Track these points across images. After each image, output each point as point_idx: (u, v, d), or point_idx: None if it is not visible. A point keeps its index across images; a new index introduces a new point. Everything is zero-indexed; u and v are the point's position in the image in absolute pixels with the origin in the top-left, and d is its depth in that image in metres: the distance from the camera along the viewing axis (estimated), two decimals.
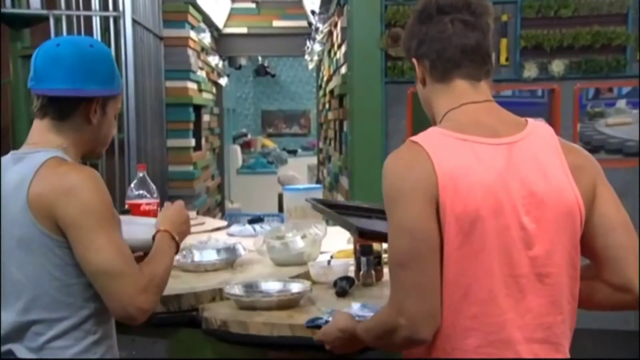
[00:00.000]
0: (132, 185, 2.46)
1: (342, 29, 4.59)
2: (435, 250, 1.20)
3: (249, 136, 11.35)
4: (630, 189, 3.78)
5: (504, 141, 1.24)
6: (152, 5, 4.49)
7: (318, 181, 7.87)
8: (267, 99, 12.63)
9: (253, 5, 7.12)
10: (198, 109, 5.86)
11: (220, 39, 7.13)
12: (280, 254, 2.25)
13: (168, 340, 1.93)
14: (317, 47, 6.12)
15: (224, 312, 1.81)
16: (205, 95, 6.26)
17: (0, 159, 1.50)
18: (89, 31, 3.83)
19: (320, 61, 7.22)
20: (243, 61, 9.32)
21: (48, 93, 1.47)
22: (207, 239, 2.44)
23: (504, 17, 4.03)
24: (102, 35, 3.86)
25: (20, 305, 1.43)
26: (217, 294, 1.94)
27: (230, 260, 2.25)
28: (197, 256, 2.22)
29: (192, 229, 2.88)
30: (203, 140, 6.09)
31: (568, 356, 1.28)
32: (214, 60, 6.68)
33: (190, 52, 5.38)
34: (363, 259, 2.05)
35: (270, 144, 11.22)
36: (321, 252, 2.33)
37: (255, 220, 3.04)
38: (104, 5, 3.89)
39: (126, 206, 2.41)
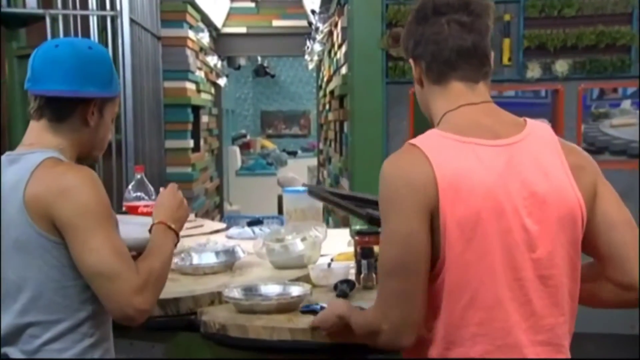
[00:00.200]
0: (130, 187, 2.44)
1: (343, 28, 4.57)
2: (423, 262, 1.21)
3: (248, 137, 11.34)
4: (634, 191, 3.75)
5: (504, 142, 1.24)
6: (150, 5, 4.46)
7: (318, 183, 7.85)
8: (266, 99, 12.63)
9: (252, 5, 7.11)
10: (196, 109, 5.84)
11: (219, 39, 7.11)
12: (280, 256, 2.23)
13: (166, 344, 1.92)
14: (317, 47, 6.10)
15: (222, 316, 1.80)
16: (204, 95, 6.24)
17: None
18: (86, 31, 3.79)
19: (320, 61, 7.20)
20: (242, 61, 9.31)
21: (46, 94, 1.47)
22: (206, 242, 2.43)
23: (507, 17, 4.00)
24: (99, 34, 3.83)
25: (17, 307, 1.42)
26: (216, 298, 1.92)
27: (229, 263, 2.24)
28: (196, 259, 2.21)
29: (191, 232, 2.89)
30: (202, 142, 6.07)
31: (569, 356, 1.28)
32: (213, 60, 6.66)
33: (188, 52, 5.35)
34: (364, 262, 2.03)
35: (269, 145, 11.21)
36: (321, 255, 2.32)
37: (255, 222, 3.02)
38: (101, 5, 3.86)
39: (124, 208, 2.39)
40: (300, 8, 6.84)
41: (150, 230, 1.55)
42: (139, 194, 2.40)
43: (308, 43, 6.36)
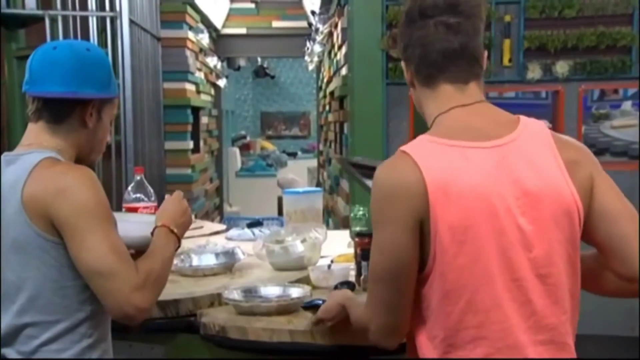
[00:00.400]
0: (129, 188, 2.43)
1: (343, 29, 4.56)
2: (409, 272, 1.23)
3: (248, 138, 11.34)
4: (635, 192, 3.74)
5: (494, 143, 1.24)
6: (149, 6, 4.45)
7: (318, 184, 7.84)
8: (266, 100, 12.63)
9: (252, 6, 7.10)
10: (196, 110, 5.83)
11: (219, 40, 7.11)
12: (279, 258, 2.23)
13: (166, 346, 1.92)
14: (317, 48, 6.09)
15: (222, 318, 1.80)
16: (204, 96, 6.23)
17: None
18: (85, 32, 3.78)
19: (320, 62, 7.19)
20: (242, 62, 9.30)
21: (44, 95, 1.47)
22: (206, 243, 2.43)
23: (507, 18, 3.99)
24: (98, 36, 3.82)
25: (15, 308, 1.42)
26: (216, 299, 1.92)
27: (229, 264, 2.23)
28: (196, 260, 2.20)
29: (191, 233, 2.88)
30: (201, 143, 6.06)
31: (574, 354, 1.27)
32: (213, 61, 6.65)
33: (188, 53, 5.35)
34: (364, 264, 2.03)
35: (269, 146, 11.20)
36: (321, 257, 2.32)
37: (255, 224, 3.01)
38: (100, 6, 3.84)
39: (123, 209, 2.38)
40: (300, 9, 6.84)
41: (152, 233, 1.55)
42: (138, 195, 2.39)
43: (308, 44, 6.35)
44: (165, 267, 1.50)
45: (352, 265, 2.11)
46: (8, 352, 1.43)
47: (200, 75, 6.03)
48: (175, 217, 1.58)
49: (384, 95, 4.04)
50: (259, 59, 11.02)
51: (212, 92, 6.98)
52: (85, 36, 3.76)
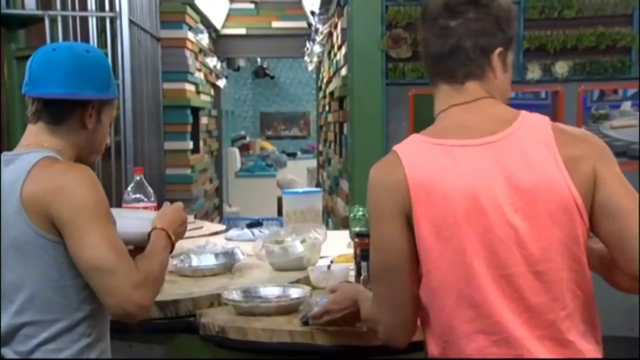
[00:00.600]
0: (129, 188, 2.43)
1: (342, 30, 4.56)
2: (406, 267, 1.26)
3: (248, 139, 11.33)
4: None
5: (486, 140, 1.25)
6: (149, 6, 4.45)
7: (318, 184, 7.84)
8: (266, 100, 12.62)
9: (252, 6, 7.10)
10: (196, 111, 5.83)
11: (219, 40, 7.11)
12: (279, 258, 2.23)
13: (165, 347, 1.92)
14: (317, 49, 6.09)
15: (222, 318, 1.80)
16: (203, 97, 6.23)
17: None
18: (85, 32, 3.78)
19: (320, 62, 7.19)
20: (242, 62, 9.30)
21: (43, 97, 1.48)
22: (205, 244, 2.43)
23: None
24: (98, 36, 3.81)
25: (14, 308, 1.42)
26: (215, 300, 1.92)
27: (229, 265, 2.23)
28: (195, 261, 2.20)
29: (190, 233, 2.88)
30: (201, 143, 6.06)
31: (581, 351, 1.24)
32: (212, 61, 6.65)
33: (188, 53, 5.34)
34: (363, 264, 2.02)
35: (269, 146, 11.20)
36: (321, 257, 2.31)
37: (254, 224, 3.01)
38: (100, 6, 3.84)
39: None
40: (299, 9, 6.84)
41: (150, 232, 1.56)
42: (138, 195, 2.39)
43: (307, 44, 6.35)
44: (163, 269, 1.51)
45: (352, 265, 2.11)
46: (5, 352, 1.43)
47: (199, 75, 6.02)
48: (174, 225, 1.59)
49: (384, 96, 4.03)
50: (259, 60, 11.01)
51: (212, 92, 6.98)
52: (85, 36, 3.75)
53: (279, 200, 7.33)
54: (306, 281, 2.07)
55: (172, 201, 1.70)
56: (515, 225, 1.21)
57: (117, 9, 3.83)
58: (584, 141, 1.29)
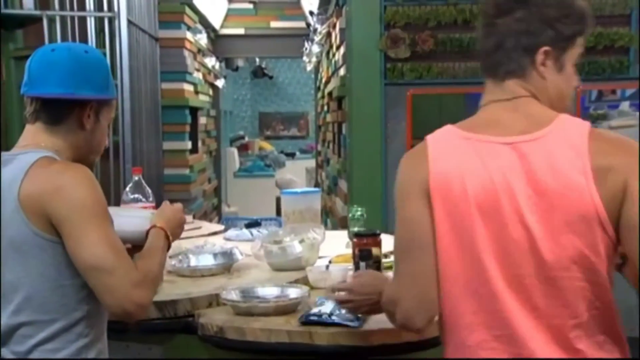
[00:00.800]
0: (128, 188, 2.43)
1: (341, 30, 4.56)
2: (428, 243, 1.27)
3: (246, 139, 11.32)
4: None
5: (514, 140, 1.25)
6: (147, 6, 4.45)
7: (316, 184, 7.84)
8: (264, 100, 12.62)
9: (250, 6, 7.10)
10: (194, 111, 5.82)
11: (217, 40, 7.10)
12: (277, 258, 2.23)
13: (163, 347, 1.92)
14: (316, 49, 6.09)
15: (220, 318, 1.80)
16: (202, 97, 6.22)
17: None
18: (83, 32, 3.77)
19: (318, 63, 7.19)
20: (240, 62, 9.29)
21: (42, 96, 1.48)
22: (204, 244, 2.42)
23: None
24: (96, 36, 3.80)
25: (11, 308, 1.42)
26: (214, 300, 1.92)
27: (227, 265, 2.23)
28: (194, 261, 2.20)
29: (189, 233, 2.88)
30: (199, 143, 6.06)
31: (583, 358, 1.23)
32: (211, 61, 6.65)
33: (186, 53, 5.34)
34: (362, 264, 2.02)
35: (267, 146, 11.19)
36: (319, 257, 2.31)
37: (253, 224, 3.01)
38: (98, 6, 3.84)
39: None
40: (298, 9, 6.83)
41: (148, 230, 1.56)
42: (136, 195, 2.39)
43: (306, 44, 6.35)
44: (161, 268, 1.52)
45: (350, 265, 2.11)
46: (3, 352, 1.43)
47: (198, 75, 6.02)
48: (172, 225, 1.60)
49: (382, 96, 4.03)
50: (257, 60, 11.01)
51: (210, 92, 6.98)
52: (84, 36, 3.75)
53: (278, 200, 7.31)
54: (305, 281, 2.07)
55: (171, 201, 1.70)
56: (530, 227, 1.20)
57: (116, 9, 3.82)
58: (621, 152, 1.23)
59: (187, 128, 5.47)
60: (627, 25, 3.97)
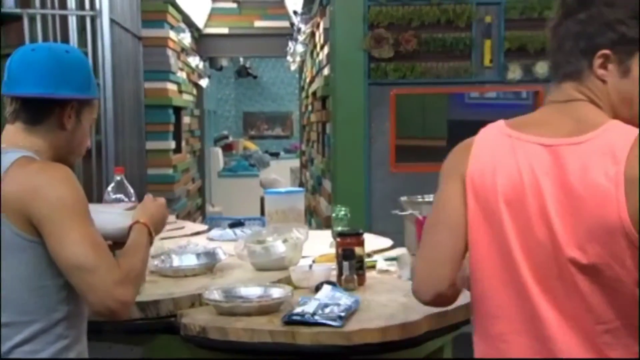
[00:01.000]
0: (109, 188, 2.40)
1: (325, 29, 4.56)
2: (453, 223, 1.29)
3: (231, 138, 11.29)
4: None
5: (551, 142, 1.23)
6: (130, 5, 4.42)
7: (301, 184, 7.84)
8: (248, 100, 12.59)
9: (234, 5, 7.09)
10: (178, 110, 5.80)
11: (201, 40, 7.08)
12: (261, 258, 2.22)
13: (145, 347, 1.91)
14: (300, 48, 6.09)
15: (203, 318, 1.79)
16: (186, 96, 6.20)
17: None
18: (64, 31, 3.74)
19: (302, 62, 7.19)
20: (224, 62, 9.28)
21: (22, 95, 1.47)
22: (187, 244, 2.42)
23: (488, 19, 4.02)
24: (78, 35, 3.77)
25: None
26: (196, 300, 1.91)
27: (210, 265, 2.22)
28: (176, 261, 2.19)
29: (172, 233, 2.86)
30: (183, 143, 6.04)
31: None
32: (194, 61, 6.63)
33: (169, 52, 5.32)
34: (345, 264, 2.03)
35: (252, 146, 11.17)
36: (303, 257, 2.31)
37: (236, 224, 3.00)
38: (80, 4, 3.80)
39: None
40: (282, 9, 6.83)
41: (131, 226, 1.55)
42: (118, 195, 2.37)
43: (290, 44, 6.35)
44: (144, 266, 1.51)
45: (334, 265, 2.11)
46: None
47: (182, 75, 6.00)
48: (155, 221, 1.59)
49: (366, 96, 4.04)
50: (241, 59, 10.99)
51: (194, 92, 6.95)
52: (65, 35, 3.71)
53: (262, 200, 7.30)
54: (288, 281, 2.07)
55: (152, 192, 1.69)
56: (554, 229, 1.18)
57: (98, 7, 3.79)
58: None
59: (171, 128, 5.45)
60: None
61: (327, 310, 1.72)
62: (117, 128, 3.98)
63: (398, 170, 4.05)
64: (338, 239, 2.11)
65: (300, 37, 5.89)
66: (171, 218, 3.48)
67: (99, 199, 2.93)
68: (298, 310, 1.73)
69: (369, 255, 2.28)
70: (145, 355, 1.90)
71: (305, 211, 4.05)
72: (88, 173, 3.78)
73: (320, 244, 2.52)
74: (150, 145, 5.03)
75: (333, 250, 2.23)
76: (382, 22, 3.99)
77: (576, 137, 1.22)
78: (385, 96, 4.06)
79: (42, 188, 1.37)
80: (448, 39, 4.00)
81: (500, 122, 1.33)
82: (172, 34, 5.44)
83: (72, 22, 3.76)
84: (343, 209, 2.58)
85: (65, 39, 3.69)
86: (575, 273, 1.18)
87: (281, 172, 9.45)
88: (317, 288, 1.92)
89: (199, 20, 6.70)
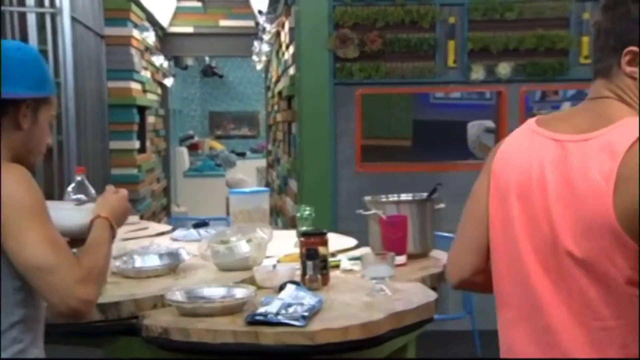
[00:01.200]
0: (69, 189, 2.36)
1: (290, 29, 4.56)
2: (480, 218, 1.35)
3: (196, 138, 11.21)
4: None
5: (563, 137, 1.26)
6: (92, 2, 4.35)
7: (267, 184, 7.82)
8: (214, 100, 12.52)
9: (199, 4, 7.04)
10: (142, 110, 5.74)
11: (165, 39, 7.02)
12: (224, 258, 2.21)
13: (106, 350, 1.89)
14: (265, 48, 6.08)
15: (165, 319, 1.77)
16: (150, 96, 6.14)
17: None
18: (23, 29, 3.66)
19: (268, 62, 7.17)
20: (189, 61, 9.21)
21: None
22: (150, 244, 2.38)
23: (452, 20, 4.06)
24: (38, 33, 3.70)
25: None
26: (159, 301, 1.89)
27: (173, 265, 2.20)
28: (139, 262, 2.16)
29: (135, 234, 2.83)
30: (148, 142, 5.98)
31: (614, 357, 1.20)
32: (159, 60, 6.56)
33: (133, 51, 5.26)
34: (309, 263, 2.03)
35: (218, 146, 11.11)
36: (267, 257, 2.30)
37: (201, 224, 2.98)
38: (39, 2, 3.73)
39: None
40: (247, 8, 6.80)
41: (92, 221, 1.52)
42: (79, 196, 2.33)
43: (256, 43, 6.33)
44: (107, 262, 1.49)
45: (298, 265, 2.11)
46: None
47: (146, 74, 5.94)
48: (117, 214, 1.56)
49: (332, 96, 4.05)
50: (207, 58, 10.92)
51: (159, 91, 6.89)
52: (24, 33, 3.64)
53: (228, 200, 7.28)
54: (251, 281, 2.06)
55: (117, 186, 1.65)
56: (555, 222, 1.21)
57: (58, 4, 3.72)
58: None
59: (135, 127, 5.39)
60: (566, 28, 4.08)
61: (290, 310, 1.72)
62: (79, 127, 3.92)
63: (364, 170, 4.07)
64: (302, 239, 2.11)
65: (266, 37, 5.87)
66: (135, 218, 3.44)
67: (60, 200, 2.88)
68: (261, 310, 1.72)
69: (332, 254, 2.28)
70: (106, 357, 1.87)
71: (272, 211, 4.04)
72: (49, 173, 3.71)
73: (285, 244, 2.51)
74: (114, 145, 4.97)
75: (297, 250, 2.23)
76: (347, 22, 4.01)
77: (588, 133, 1.23)
78: (350, 96, 4.07)
79: None
80: (412, 39, 4.03)
81: (530, 120, 1.36)
82: (135, 33, 5.38)
83: (31, 20, 3.68)
84: (308, 208, 2.58)
85: (24, 37, 3.62)
86: (573, 266, 1.20)
87: (248, 172, 9.42)
88: (281, 288, 1.92)
89: (164, 19, 6.64)
